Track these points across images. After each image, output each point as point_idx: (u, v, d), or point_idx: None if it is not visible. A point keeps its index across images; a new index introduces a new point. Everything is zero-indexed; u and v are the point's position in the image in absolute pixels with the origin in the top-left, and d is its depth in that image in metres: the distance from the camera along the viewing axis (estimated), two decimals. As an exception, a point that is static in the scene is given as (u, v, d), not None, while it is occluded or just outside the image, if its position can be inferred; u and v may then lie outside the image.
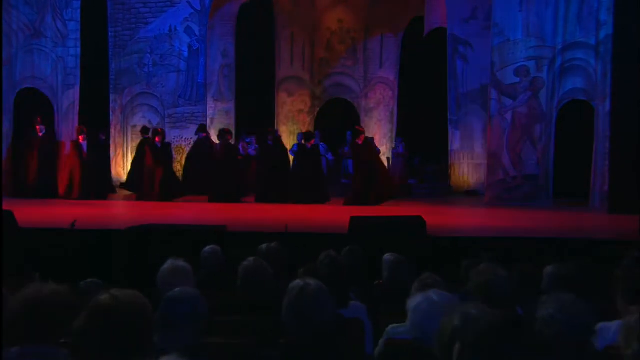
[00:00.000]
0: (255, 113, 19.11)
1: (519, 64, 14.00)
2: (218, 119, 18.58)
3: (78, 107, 15.32)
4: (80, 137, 14.71)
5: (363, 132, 14.04)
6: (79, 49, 15.21)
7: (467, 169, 17.00)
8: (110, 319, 2.11)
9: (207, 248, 6.14)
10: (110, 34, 16.84)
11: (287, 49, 20.11)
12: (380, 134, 19.57)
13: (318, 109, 20.31)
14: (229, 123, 18.69)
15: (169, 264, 4.41)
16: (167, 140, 15.39)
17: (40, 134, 14.47)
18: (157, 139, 14.72)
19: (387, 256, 5.95)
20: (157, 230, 8.64)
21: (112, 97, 16.98)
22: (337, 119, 19.28)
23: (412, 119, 18.83)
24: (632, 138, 11.96)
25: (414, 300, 2.98)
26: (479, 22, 16.62)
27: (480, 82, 16.31)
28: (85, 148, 14.70)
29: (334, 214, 11.70)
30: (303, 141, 14.50)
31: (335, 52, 20.15)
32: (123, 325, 2.10)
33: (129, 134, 16.98)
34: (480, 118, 16.57)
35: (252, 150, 16.40)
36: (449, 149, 17.18)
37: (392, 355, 3.37)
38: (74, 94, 15.27)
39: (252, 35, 19.16)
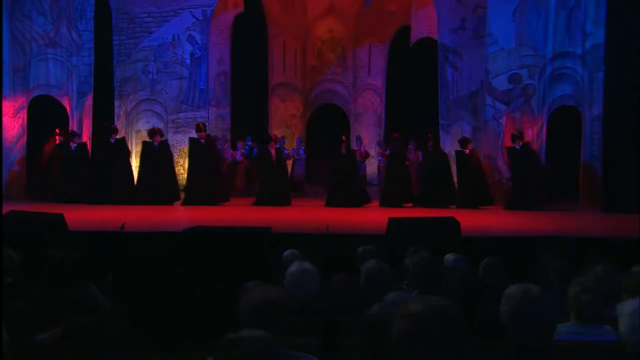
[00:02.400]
0: (250, 118, 19.82)
1: (512, 72, 14.87)
2: (214, 124, 19.14)
3: (92, 114, 15.75)
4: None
5: (521, 137, 14.05)
6: (92, 58, 15.70)
7: (458, 171, 17.76)
8: (432, 326, 2.15)
9: (287, 252, 6.25)
10: (114, 42, 17.32)
11: (280, 56, 20.90)
12: (369, 138, 20.34)
13: (310, 113, 21.10)
14: (225, 128, 19.37)
15: (296, 266, 4.39)
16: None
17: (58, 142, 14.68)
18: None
19: (448, 257, 6.18)
20: (210, 232, 8.89)
21: (116, 103, 17.45)
22: (328, 123, 20.11)
23: (399, 123, 19.58)
24: (624, 140, 12.87)
25: (629, 306, 2.93)
26: (467, 33, 17.38)
27: (470, 89, 17.05)
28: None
29: (371, 215, 12.00)
30: (460, 147, 14.62)
31: (325, 60, 21.00)
32: (444, 333, 2.15)
33: (134, 139, 17.45)
34: (469, 123, 17.35)
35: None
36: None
37: (560, 356, 3.42)
38: (88, 101, 15.72)
39: (246, 43, 19.83)
